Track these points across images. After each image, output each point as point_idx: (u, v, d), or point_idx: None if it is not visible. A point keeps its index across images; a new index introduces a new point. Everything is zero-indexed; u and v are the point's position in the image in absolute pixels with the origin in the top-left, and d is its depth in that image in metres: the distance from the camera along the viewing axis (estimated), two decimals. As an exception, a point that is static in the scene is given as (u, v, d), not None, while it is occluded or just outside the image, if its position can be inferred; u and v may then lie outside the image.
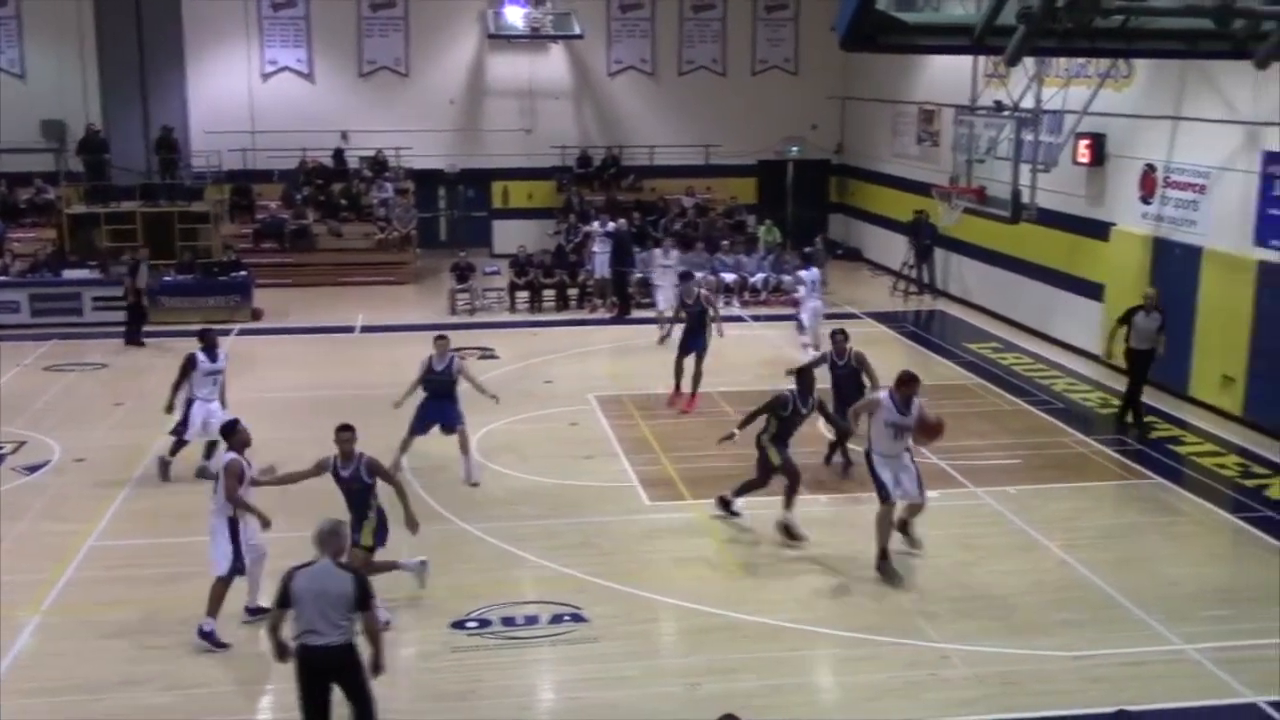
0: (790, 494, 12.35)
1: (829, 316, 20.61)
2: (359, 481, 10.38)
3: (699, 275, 24.44)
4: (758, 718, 8.67)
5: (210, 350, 14.01)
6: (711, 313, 17.20)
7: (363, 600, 7.91)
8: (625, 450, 15.23)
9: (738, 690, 9.43)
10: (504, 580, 11.50)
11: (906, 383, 11.45)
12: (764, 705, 9.18)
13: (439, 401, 13.94)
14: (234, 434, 10.39)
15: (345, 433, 10.40)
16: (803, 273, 20.66)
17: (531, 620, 10.64)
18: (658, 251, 22.52)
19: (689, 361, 16.91)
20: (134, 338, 21.07)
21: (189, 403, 13.89)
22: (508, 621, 10.60)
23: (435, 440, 15.58)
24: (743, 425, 12.67)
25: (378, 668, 8.17)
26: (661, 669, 9.89)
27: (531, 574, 11.66)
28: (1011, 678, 9.67)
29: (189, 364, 13.87)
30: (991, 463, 14.72)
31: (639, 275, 23.87)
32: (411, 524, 10.57)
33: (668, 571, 11.73)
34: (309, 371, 19.31)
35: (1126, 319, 16.13)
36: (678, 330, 17.57)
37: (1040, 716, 9.20)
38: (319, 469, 10.49)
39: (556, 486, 13.98)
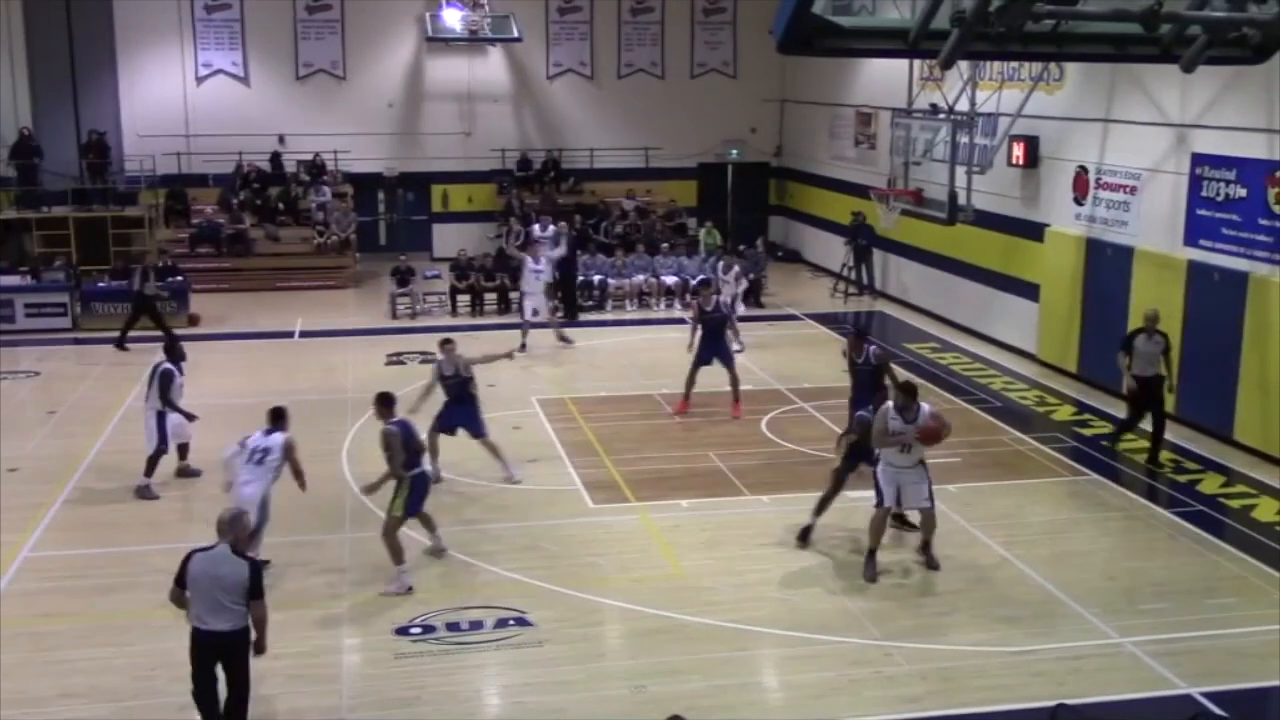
0: (824, 502, 12.35)
1: (768, 318, 20.75)
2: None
3: (640, 278, 24.64)
4: (704, 719, 8.73)
5: (180, 362, 13.85)
6: (731, 323, 17.15)
7: (255, 589, 8.11)
8: (569, 453, 15.23)
9: (684, 692, 9.47)
10: (448, 585, 11.44)
11: (902, 393, 11.65)
12: (710, 706, 9.22)
13: (460, 405, 13.93)
14: (284, 416, 11.67)
15: (376, 404, 11.70)
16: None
17: (476, 625, 10.60)
18: (528, 259, 21.35)
19: (719, 372, 16.79)
20: (120, 342, 20.84)
21: (159, 415, 13.58)
22: (452, 627, 10.56)
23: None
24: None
25: (260, 647, 8.38)
26: (607, 672, 9.89)
27: (476, 579, 11.61)
28: (953, 674, 9.79)
29: (169, 379, 13.57)
30: (932, 461, 14.76)
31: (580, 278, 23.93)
32: (367, 488, 11.68)
33: (613, 574, 11.75)
34: (248, 377, 19.09)
35: (1128, 345, 14.93)
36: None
37: (982, 712, 9.31)
38: None
39: (501, 490, 13.93)
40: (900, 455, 11.52)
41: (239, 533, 8.33)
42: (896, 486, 11.60)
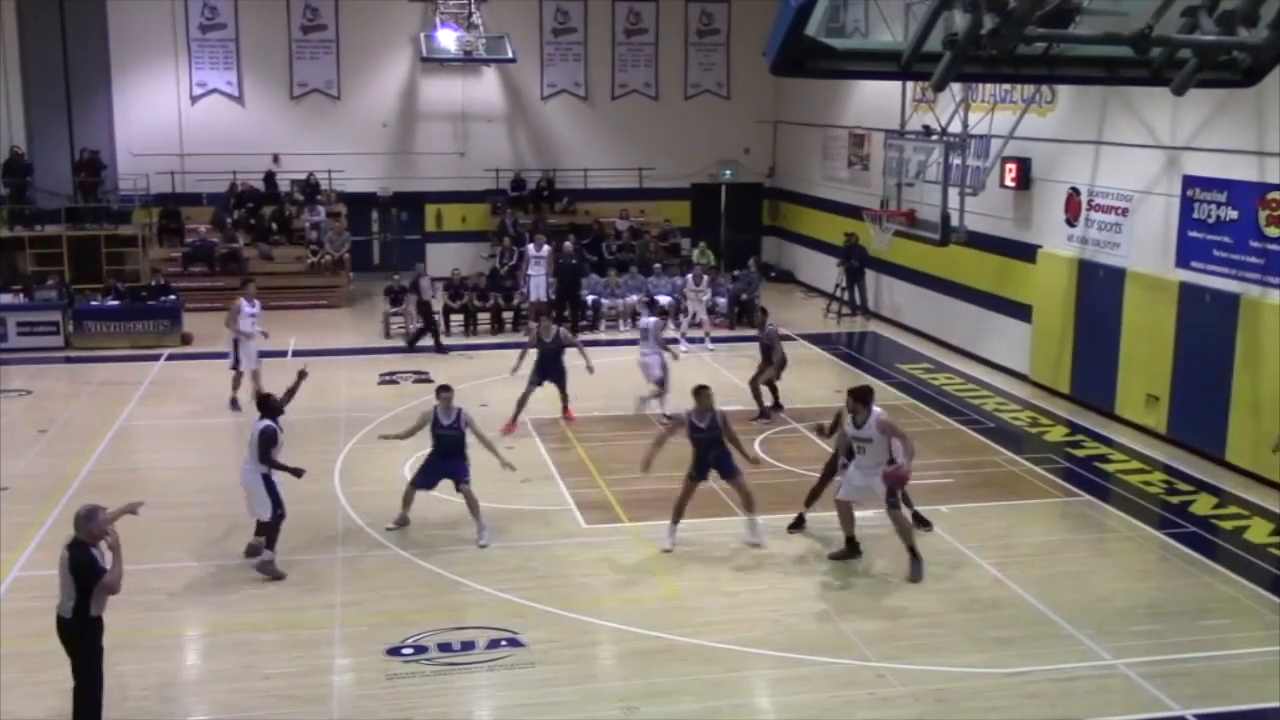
0: (814, 493, 13.20)
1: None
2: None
3: (634, 298, 24.66)
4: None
5: (277, 417, 12.22)
6: (579, 349, 17.61)
7: (85, 577, 8.44)
8: (561, 473, 15.20)
9: (676, 713, 9.45)
10: (440, 606, 11.41)
11: (851, 397, 12.12)
12: (703, 727, 9.20)
13: (448, 458, 13.02)
14: (656, 304, 15.00)
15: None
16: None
17: (468, 646, 10.57)
18: (242, 301, 18.51)
19: (539, 391, 17.26)
20: (440, 348, 22.27)
21: (265, 478, 11.95)
22: (444, 647, 10.52)
23: (370, 466, 15.50)
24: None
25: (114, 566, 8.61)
26: (599, 693, 9.86)
27: (468, 599, 11.58)
28: (946, 695, 9.77)
29: (270, 439, 11.93)
30: (924, 482, 14.86)
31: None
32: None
33: (605, 595, 11.72)
34: (240, 397, 19.03)
35: None
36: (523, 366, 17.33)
37: (975, 733, 9.30)
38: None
39: (493, 510, 13.83)
40: (861, 456, 12.05)
41: (90, 529, 8.51)
42: (859, 484, 12.14)
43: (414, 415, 13.91)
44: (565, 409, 17.66)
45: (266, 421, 12.09)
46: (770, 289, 27.55)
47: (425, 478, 13.17)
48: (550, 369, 17.31)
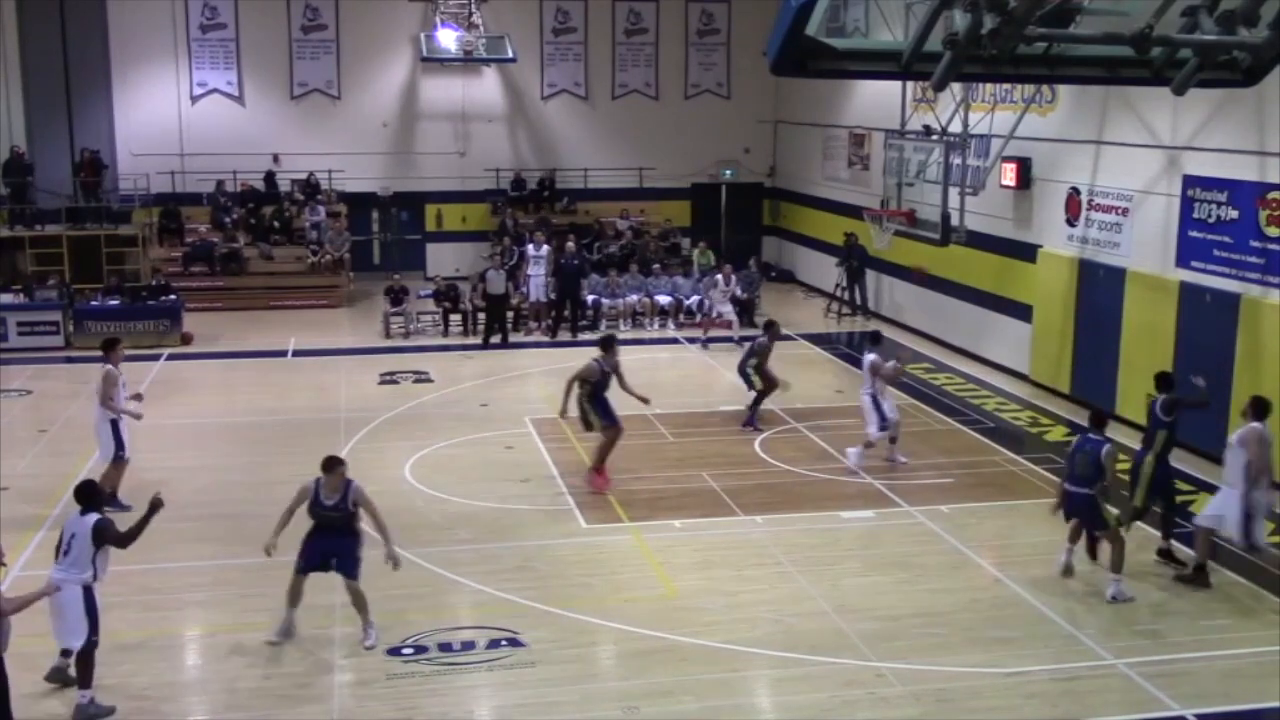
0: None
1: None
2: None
3: (634, 298, 24.63)
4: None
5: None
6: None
7: None
8: (562, 473, 15.19)
9: (676, 713, 9.45)
10: (441, 605, 11.41)
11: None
12: (703, 727, 9.20)
13: (330, 538, 10.50)
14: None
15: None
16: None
17: (469, 646, 10.57)
18: (114, 369, 14.15)
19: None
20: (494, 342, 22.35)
21: (88, 593, 9.60)
22: (445, 647, 10.52)
23: (370, 466, 15.49)
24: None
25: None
26: (600, 693, 9.85)
27: (468, 599, 11.59)
28: (947, 695, 9.77)
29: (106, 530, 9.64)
30: (925, 482, 14.89)
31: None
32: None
33: (606, 594, 11.72)
34: (240, 396, 19.07)
35: None
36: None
37: (975, 733, 9.30)
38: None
39: (493, 510, 13.90)
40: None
41: None
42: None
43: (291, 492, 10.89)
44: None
45: (96, 515, 9.60)
46: (770, 289, 27.55)
47: (308, 561, 10.52)
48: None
